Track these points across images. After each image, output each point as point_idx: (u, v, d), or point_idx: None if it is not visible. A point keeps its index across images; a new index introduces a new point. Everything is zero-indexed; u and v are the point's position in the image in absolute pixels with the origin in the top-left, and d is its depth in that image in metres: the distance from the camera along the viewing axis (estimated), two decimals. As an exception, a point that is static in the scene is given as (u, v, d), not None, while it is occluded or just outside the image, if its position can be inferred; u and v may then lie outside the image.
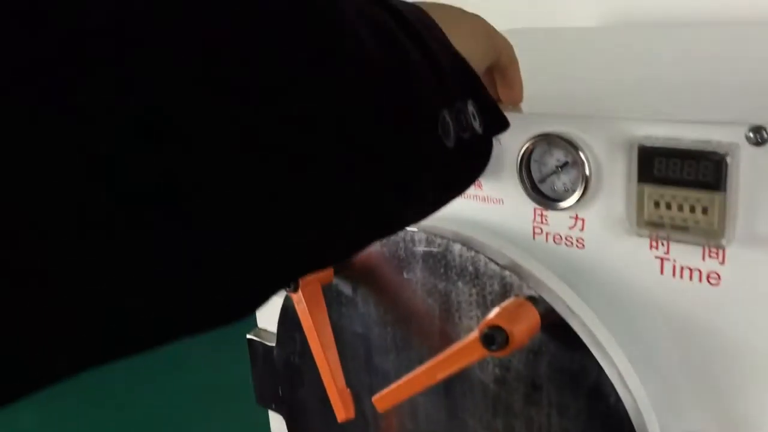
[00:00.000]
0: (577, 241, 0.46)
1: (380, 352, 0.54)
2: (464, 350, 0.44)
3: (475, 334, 0.43)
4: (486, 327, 0.42)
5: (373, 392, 0.56)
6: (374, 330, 0.54)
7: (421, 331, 0.51)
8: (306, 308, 0.52)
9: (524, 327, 0.42)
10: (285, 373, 0.62)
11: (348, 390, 0.53)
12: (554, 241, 0.47)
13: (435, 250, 0.49)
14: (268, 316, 0.64)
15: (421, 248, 0.50)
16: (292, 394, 0.62)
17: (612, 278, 0.45)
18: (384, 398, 0.49)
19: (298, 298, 0.52)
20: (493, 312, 0.43)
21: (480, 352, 0.43)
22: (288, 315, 0.59)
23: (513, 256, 0.47)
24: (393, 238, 0.51)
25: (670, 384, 0.44)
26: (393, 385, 0.49)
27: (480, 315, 0.48)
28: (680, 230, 0.41)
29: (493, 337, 0.41)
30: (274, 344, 0.63)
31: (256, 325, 0.66)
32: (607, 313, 0.45)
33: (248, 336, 0.65)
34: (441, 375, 0.45)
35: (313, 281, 0.52)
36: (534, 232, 0.48)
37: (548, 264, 0.47)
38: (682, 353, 0.44)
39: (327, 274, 0.53)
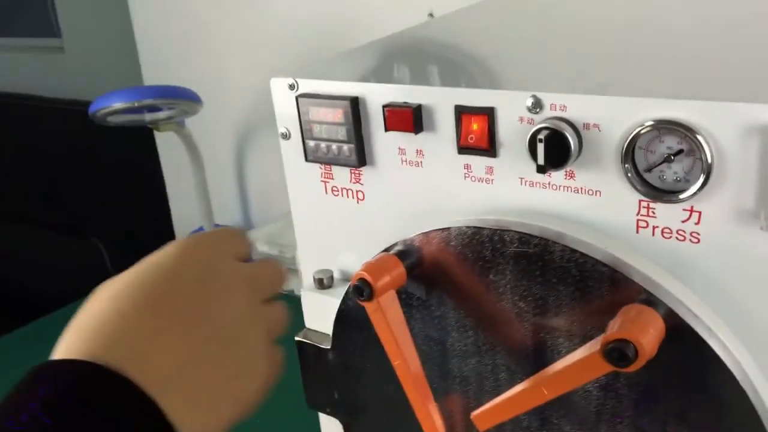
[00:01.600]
0: (692, 235, 0.42)
1: (459, 356, 0.50)
2: (583, 366, 0.40)
3: (595, 349, 0.39)
4: (611, 341, 0.38)
5: (448, 397, 0.52)
6: (452, 334, 0.50)
7: (510, 336, 0.47)
8: (384, 320, 0.47)
9: (652, 337, 0.38)
10: (343, 376, 0.58)
11: (437, 406, 0.49)
12: (662, 235, 0.43)
13: (530, 250, 0.44)
14: (315, 316, 0.60)
15: (512, 248, 0.45)
16: (351, 398, 0.58)
17: (734, 276, 0.41)
18: (485, 416, 0.45)
19: (374, 308, 0.47)
20: (616, 323, 0.39)
21: (603, 368, 0.39)
22: (348, 316, 0.55)
23: (620, 255, 0.42)
24: (477, 238, 0.46)
25: (795, 383, 0.41)
26: (494, 402, 0.45)
27: (584, 320, 0.44)
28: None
29: (622, 352, 0.38)
30: (327, 346, 0.58)
31: (303, 326, 0.61)
32: (727, 314, 0.42)
33: (297, 338, 0.60)
34: (552, 393, 0.42)
35: (388, 287, 0.47)
36: (638, 226, 0.44)
37: (656, 260, 0.43)
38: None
39: (400, 276, 0.48)
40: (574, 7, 0.74)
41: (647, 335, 0.38)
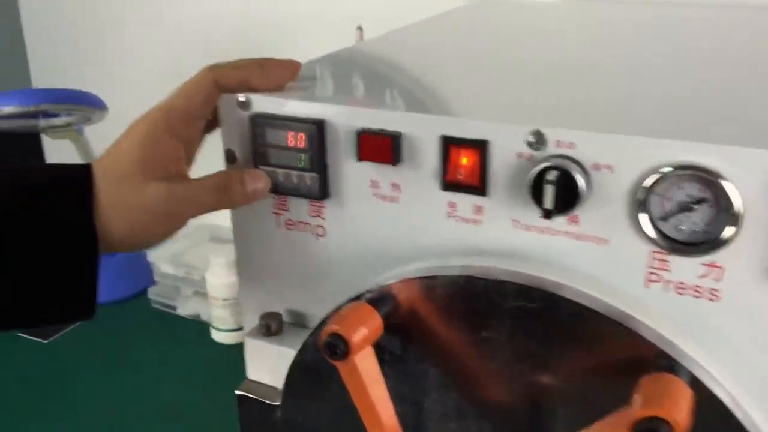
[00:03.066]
0: (711, 292, 0.38)
1: (437, 419, 0.44)
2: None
3: (622, 426, 0.34)
4: (643, 419, 0.33)
5: (420, 462, 0.46)
6: (431, 395, 0.44)
7: (500, 397, 0.42)
8: (361, 381, 0.41)
9: (686, 413, 0.34)
10: (291, 435, 0.50)
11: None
12: (676, 290, 0.39)
13: (530, 304, 0.39)
14: (260, 367, 0.52)
15: (510, 302, 0.40)
16: (299, 460, 0.51)
17: (754, 337, 0.38)
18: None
19: (350, 368, 0.41)
20: (642, 396, 0.34)
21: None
22: (304, 370, 0.48)
23: (631, 311, 0.38)
24: (469, 288, 0.41)
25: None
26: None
27: (588, 382, 0.39)
28: None
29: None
30: (275, 402, 0.51)
31: (244, 376, 0.53)
32: (742, 376, 0.38)
33: (238, 391, 0.52)
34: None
35: (365, 342, 0.41)
36: (649, 280, 0.40)
37: (667, 317, 0.39)
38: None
39: (377, 329, 0.42)
40: (574, 33, 0.71)
41: (681, 411, 0.34)
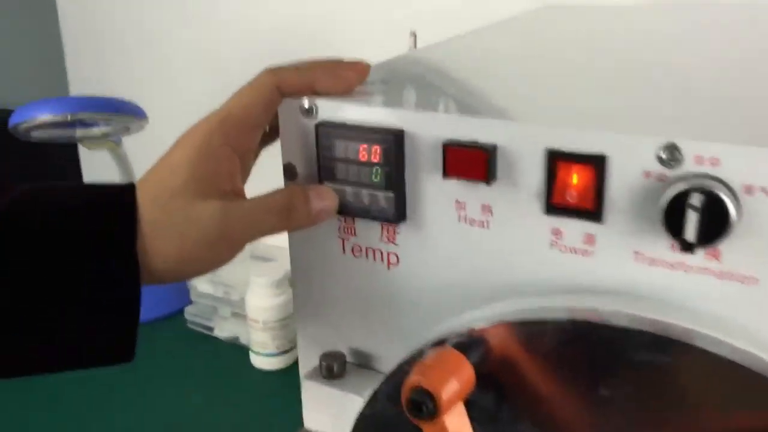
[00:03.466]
0: None
1: (535, 488, 0.37)
2: None
3: None
4: None
5: None
6: (529, 459, 0.37)
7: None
8: (452, 446, 0.34)
9: None
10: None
11: None
12: None
13: (663, 359, 0.32)
14: (319, 414, 0.45)
15: (635, 354, 0.33)
16: None
17: None
18: None
19: (438, 429, 0.34)
20: None
21: None
22: (373, 425, 0.41)
23: (797, 371, 0.31)
24: (581, 335, 0.34)
25: None
26: None
27: (741, 458, 0.32)
28: None
29: None
30: (333, 454, 0.44)
31: (301, 424, 0.46)
32: None
33: (293, 440, 0.46)
34: None
35: (457, 398, 0.34)
36: (812, 329, 0.32)
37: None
38: None
39: (469, 381, 0.35)
40: (661, 36, 0.63)
41: None
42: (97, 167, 1.40)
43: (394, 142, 0.39)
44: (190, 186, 0.39)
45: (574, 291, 0.37)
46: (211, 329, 1.15)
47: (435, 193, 0.39)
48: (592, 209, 0.35)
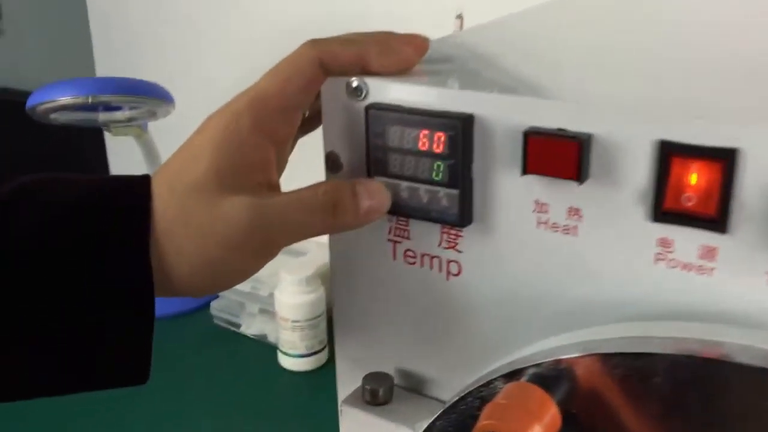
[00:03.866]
0: None
1: None
2: None
3: None
4: None
5: None
6: None
7: None
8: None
9: None
10: None
11: None
12: None
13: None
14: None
15: (778, 404, 0.26)
16: None
17: None
18: None
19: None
20: None
21: None
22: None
23: None
24: (701, 374, 0.27)
25: None
26: None
27: None
28: None
29: None
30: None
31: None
32: None
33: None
34: None
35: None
36: None
37: None
38: None
39: (554, 424, 0.28)
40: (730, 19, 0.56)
41: None
42: (124, 156, 1.35)
43: (461, 129, 0.32)
44: (214, 178, 0.33)
45: (686, 317, 0.30)
46: (238, 326, 1.10)
47: (510, 192, 0.32)
48: (714, 216, 0.28)
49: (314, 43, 0.35)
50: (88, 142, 1.37)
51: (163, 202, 0.33)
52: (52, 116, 0.82)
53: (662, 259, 0.30)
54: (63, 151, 1.38)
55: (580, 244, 0.32)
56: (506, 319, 0.35)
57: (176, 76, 1.18)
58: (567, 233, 0.32)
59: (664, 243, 0.30)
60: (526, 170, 0.31)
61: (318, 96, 0.36)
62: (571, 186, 0.30)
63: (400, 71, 0.35)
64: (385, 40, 0.35)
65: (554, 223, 0.32)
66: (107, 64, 1.40)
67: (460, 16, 0.91)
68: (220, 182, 0.33)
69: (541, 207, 0.32)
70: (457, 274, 0.35)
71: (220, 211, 0.33)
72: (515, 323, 0.35)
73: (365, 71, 0.35)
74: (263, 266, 0.34)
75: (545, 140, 0.30)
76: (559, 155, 0.30)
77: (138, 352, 0.33)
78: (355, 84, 0.35)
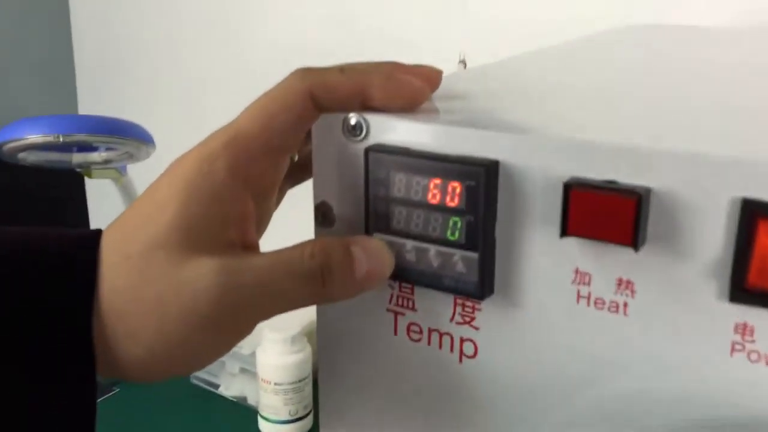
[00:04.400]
0: None
1: None
2: None
3: None
4: None
5: None
6: None
7: None
8: None
9: None
10: None
11: None
12: None
13: None
14: None
15: None
16: None
17: None
18: None
19: None
20: None
21: None
22: None
23: None
24: None
25: None
26: None
27: None
28: None
29: None
30: None
31: None
32: None
33: None
34: None
35: None
36: None
37: None
38: None
39: None
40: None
41: None
42: (104, 199, 1.29)
43: (484, 178, 0.26)
44: (179, 234, 0.27)
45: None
46: (216, 386, 1.02)
47: (543, 258, 0.26)
48: (815, 298, 0.22)
49: (305, 72, 0.29)
50: (66, 187, 1.30)
51: (112, 271, 0.26)
52: (20, 156, 0.76)
53: (740, 350, 0.23)
54: (39, 194, 1.31)
55: (631, 326, 0.25)
56: (530, 415, 0.28)
57: (160, 118, 1.13)
58: (615, 312, 0.25)
59: (745, 330, 0.23)
60: (566, 231, 0.25)
61: (309, 137, 0.30)
62: (624, 253, 0.24)
63: (407, 108, 0.29)
64: (390, 70, 0.29)
65: (599, 299, 0.25)
66: (91, 105, 1.35)
67: (463, 62, 0.87)
68: (186, 240, 0.27)
69: (582, 277, 0.26)
70: (472, 356, 0.29)
71: (183, 275, 0.26)
72: (541, 422, 0.28)
73: (366, 106, 0.29)
74: (234, 346, 0.28)
75: (593, 195, 0.24)
76: (611, 214, 0.24)
77: None
78: (353, 121, 0.29)
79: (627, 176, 0.24)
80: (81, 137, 0.73)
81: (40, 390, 0.25)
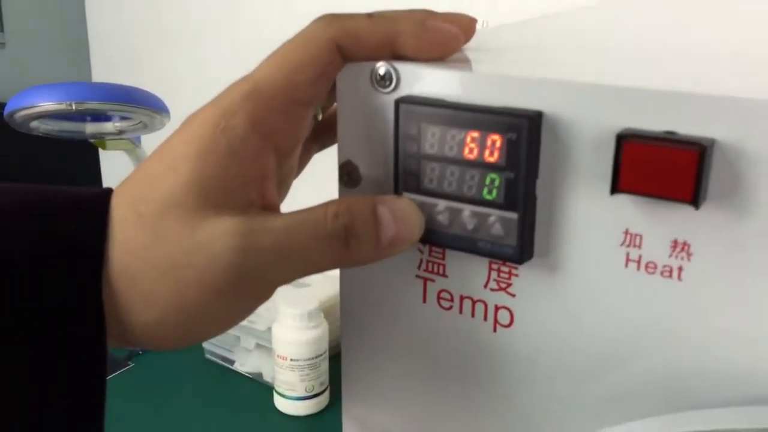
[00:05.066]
0: None
1: None
2: None
3: None
4: None
5: None
6: None
7: None
8: None
9: None
10: None
11: None
12: None
13: None
14: None
15: None
16: None
17: None
18: None
19: None
20: None
21: None
22: None
23: None
24: None
25: None
26: None
27: None
28: None
29: None
30: None
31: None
32: None
33: None
34: None
35: None
36: None
37: None
38: None
39: None
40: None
41: None
42: (119, 171, 1.28)
43: (527, 130, 0.24)
44: (194, 193, 0.25)
45: None
46: (231, 362, 1.01)
47: (590, 218, 0.24)
48: None
49: (330, 19, 0.27)
50: (80, 156, 1.29)
51: (124, 230, 0.24)
52: (32, 124, 0.75)
53: (812, 319, 0.21)
54: (53, 167, 1.30)
55: (687, 292, 0.23)
56: (570, 387, 0.26)
57: (176, 88, 1.11)
58: (668, 276, 0.23)
59: (817, 295, 0.21)
60: (617, 188, 0.22)
61: (334, 91, 0.28)
62: (682, 211, 0.22)
63: (441, 57, 0.27)
64: (423, 17, 0.27)
65: (650, 262, 0.23)
66: (105, 78, 1.33)
67: (485, 24, 0.84)
68: (203, 199, 0.25)
69: (633, 239, 0.23)
70: (507, 325, 0.27)
71: (199, 236, 0.24)
72: (582, 395, 0.26)
73: (396, 55, 0.27)
74: (253, 311, 0.26)
75: (649, 147, 0.22)
76: (670, 168, 0.21)
77: (86, 416, 0.24)
78: (382, 70, 0.26)
79: (687, 127, 0.22)
80: (94, 105, 0.71)
81: (46, 357, 0.24)
